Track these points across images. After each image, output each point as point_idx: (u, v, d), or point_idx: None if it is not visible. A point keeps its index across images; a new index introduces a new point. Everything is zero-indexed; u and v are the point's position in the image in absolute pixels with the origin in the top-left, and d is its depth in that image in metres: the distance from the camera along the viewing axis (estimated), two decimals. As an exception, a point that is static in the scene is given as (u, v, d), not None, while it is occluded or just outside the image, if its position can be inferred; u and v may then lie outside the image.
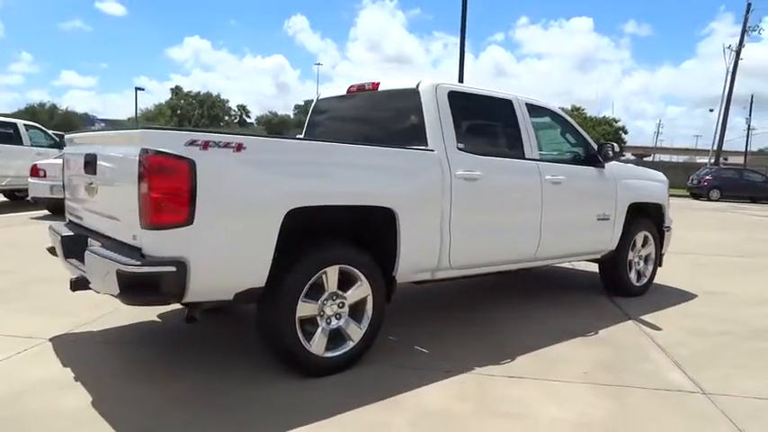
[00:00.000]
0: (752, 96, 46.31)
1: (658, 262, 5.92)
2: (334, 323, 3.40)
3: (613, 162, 5.26)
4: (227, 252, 2.96)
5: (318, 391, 3.18)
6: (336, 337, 3.42)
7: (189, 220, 2.78)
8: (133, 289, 2.77)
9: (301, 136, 4.81)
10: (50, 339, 3.86)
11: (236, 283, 3.03)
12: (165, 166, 2.74)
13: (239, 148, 2.94)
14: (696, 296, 5.83)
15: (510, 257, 4.51)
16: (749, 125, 46.90)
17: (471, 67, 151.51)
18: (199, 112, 73.15)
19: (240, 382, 3.24)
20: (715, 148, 33.60)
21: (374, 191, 3.51)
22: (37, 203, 10.74)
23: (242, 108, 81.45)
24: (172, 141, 2.78)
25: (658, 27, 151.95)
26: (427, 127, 3.93)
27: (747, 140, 48.68)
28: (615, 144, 4.96)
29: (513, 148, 4.48)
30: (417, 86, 4.05)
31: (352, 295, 3.44)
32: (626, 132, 53.90)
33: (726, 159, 38.63)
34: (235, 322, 4.48)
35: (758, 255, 9.34)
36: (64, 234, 3.59)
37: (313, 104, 5.06)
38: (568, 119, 5.14)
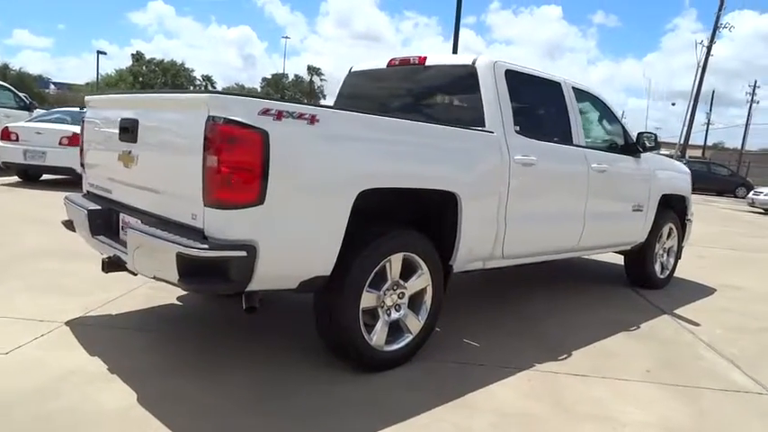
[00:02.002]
0: (713, 92, 47.33)
1: (679, 254, 5.86)
2: (394, 315, 3.14)
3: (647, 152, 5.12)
4: (298, 236, 2.66)
5: (385, 389, 2.93)
6: (395, 330, 3.17)
7: (260, 199, 2.47)
8: (196, 275, 2.45)
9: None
10: (66, 323, 3.48)
11: (303, 271, 2.73)
12: (237, 136, 2.41)
13: (313, 120, 2.63)
14: (715, 290, 5.79)
15: (556, 247, 4.33)
16: (709, 120, 48.13)
17: (441, 49, 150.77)
18: (162, 80, 70.61)
19: (300, 378, 2.97)
20: (682, 141, 34.34)
21: (441, 174, 3.24)
22: (8, 169, 10.03)
23: (207, 79, 78.88)
24: (244, 109, 2.45)
25: (625, 19, 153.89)
26: (485, 107, 3.66)
27: (706, 135, 50.08)
28: (655, 134, 4.80)
29: (563, 133, 4.27)
30: (474, 63, 3.77)
31: (413, 285, 3.19)
32: (591, 122, 54.55)
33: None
34: (266, 308, 4.16)
35: (749, 249, 9.49)
36: (91, 208, 3.20)
37: (345, 77, 4.71)
38: (608, 104, 4.96)
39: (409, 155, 3.07)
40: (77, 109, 10.60)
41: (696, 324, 4.50)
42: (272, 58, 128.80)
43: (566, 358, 3.56)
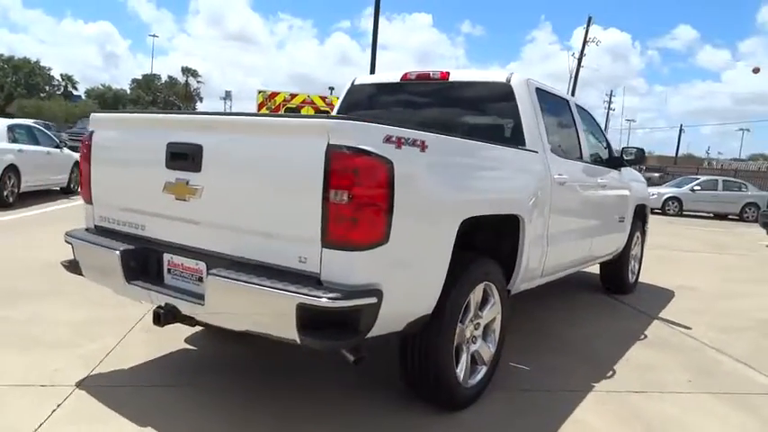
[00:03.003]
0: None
1: (641, 260, 6.23)
2: (472, 347, 2.98)
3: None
4: (412, 274, 2.41)
5: (463, 427, 2.75)
6: (473, 363, 3.01)
7: (386, 237, 2.20)
8: (320, 328, 2.12)
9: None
10: (79, 387, 2.90)
11: (413, 310, 2.48)
12: (365, 168, 2.12)
13: (423, 146, 2.39)
14: (673, 291, 6.22)
15: (575, 261, 4.39)
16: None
17: (316, 53, 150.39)
18: (13, 79, 63.36)
19: (388, 423, 2.70)
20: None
21: (512, 197, 3.14)
22: None
23: (67, 78, 72.01)
24: (370, 136, 2.17)
25: (490, 29, 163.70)
26: (525, 126, 3.61)
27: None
28: (640, 149, 5.04)
29: (576, 149, 4.34)
30: (509, 81, 3.70)
31: (487, 315, 3.05)
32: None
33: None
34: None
35: (662, 247, 10.33)
36: (124, 248, 2.68)
37: (347, 89, 4.43)
38: (595, 119, 5.13)
39: (494, 179, 2.93)
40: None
41: (687, 327, 4.77)
42: (138, 58, 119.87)
43: (612, 375, 3.59)
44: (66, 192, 11.35)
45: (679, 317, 5.06)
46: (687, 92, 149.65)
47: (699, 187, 19.24)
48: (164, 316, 2.53)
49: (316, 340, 2.13)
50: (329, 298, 2.07)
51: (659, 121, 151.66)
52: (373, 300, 2.16)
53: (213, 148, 2.43)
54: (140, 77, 76.07)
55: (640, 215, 5.99)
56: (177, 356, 3.43)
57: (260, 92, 13.77)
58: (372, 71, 15.46)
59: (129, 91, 73.92)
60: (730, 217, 19.22)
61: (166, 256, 2.67)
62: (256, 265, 2.33)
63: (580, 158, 4.33)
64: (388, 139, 2.21)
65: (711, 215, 19.24)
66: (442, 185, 2.51)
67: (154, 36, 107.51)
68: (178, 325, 3.69)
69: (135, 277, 2.67)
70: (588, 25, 32.82)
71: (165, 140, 2.57)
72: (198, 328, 3.69)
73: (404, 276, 2.35)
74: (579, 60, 33.26)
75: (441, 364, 2.68)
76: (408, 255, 2.34)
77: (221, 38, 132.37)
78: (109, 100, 69.58)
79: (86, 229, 3.08)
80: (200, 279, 2.54)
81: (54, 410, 2.65)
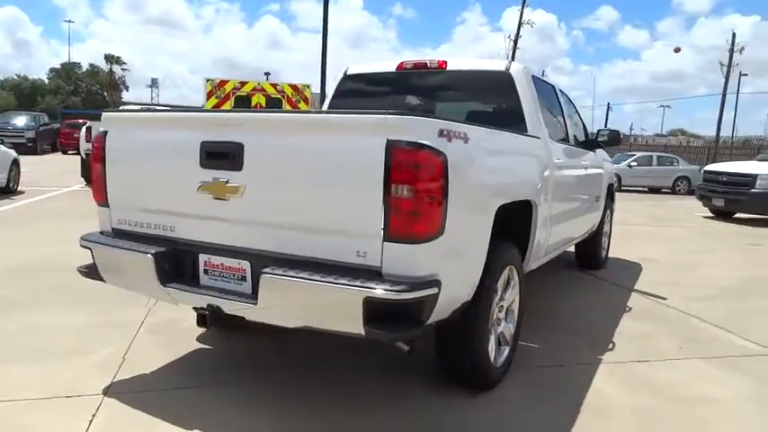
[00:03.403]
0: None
1: (610, 236, 6.56)
2: (498, 329, 3.10)
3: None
4: (461, 262, 2.50)
5: (510, 408, 2.88)
6: (498, 344, 3.13)
7: (443, 229, 2.26)
8: (385, 320, 2.17)
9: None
10: (107, 395, 2.82)
11: (459, 298, 2.56)
12: (426, 162, 2.18)
13: (466, 138, 2.46)
14: (640, 264, 6.60)
15: (567, 240, 4.59)
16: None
17: (245, 37, 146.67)
18: None
19: (425, 408, 2.79)
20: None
21: (529, 182, 3.26)
22: None
23: (-22, 69, 67.13)
24: (426, 131, 2.22)
25: (421, 11, 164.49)
26: (526, 114, 3.74)
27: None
28: (615, 130, 5.29)
29: (564, 133, 4.52)
30: (508, 69, 3.82)
31: (509, 297, 3.17)
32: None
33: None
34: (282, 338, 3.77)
35: (625, 223, 10.87)
36: (157, 251, 2.61)
37: (339, 79, 4.42)
38: (573, 102, 5.34)
39: (518, 167, 3.04)
40: None
41: (663, 298, 5.10)
42: (52, 45, 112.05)
43: (613, 348, 3.81)
44: (6, 191, 10.69)
45: (653, 288, 5.40)
46: (610, 71, 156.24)
47: (635, 163, 20.26)
48: (208, 318, 2.50)
49: (382, 332, 2.18)
50: (397, 291, 2.12)
51: (586, 99, 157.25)
52: (435, 290, 2.22)
53: (256, 147, 2.40)
54: (59, 66, 71.73)
55: (610, 193, 6.31)
56: (194, 357, 3.38)
57: (208, 80, 13.37)
58: (324, 57, 15.33)
59: (47, 81, 69.67)
60: (663, 190, 20.39)
61: (203, 257, 2.62)
62: (307, 261, 2.34)
63: (567, 141, 4.52)
64: (441, 133, 2.27)
65: (646, 189, 20.34)
66: (482, 175, 2.61)
67: (69, 22, 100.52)
68: (183, 325, 3.71)
69: (170, 280, 2.61)
70: (523, 6, 33.51)
71: (199, 139, 2.52)
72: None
73: (455, 265, 2.43)
74: (515, 42, 33.96)
75: (477, 348, 2.78)
76: (459, 244, 2.42)
77: (142, 22, 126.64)
78: (26, 91, 65.48)
79: (101, 233, 2.97)
80: (243, 278, 2.52)
81: (91, 421, 2.57)
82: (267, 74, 39.00)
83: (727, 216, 12.20)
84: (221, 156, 2.47)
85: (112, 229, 2.93)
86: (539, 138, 3.68)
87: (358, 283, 2.14)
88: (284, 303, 2.32)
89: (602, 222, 5.84)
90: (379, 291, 2.11)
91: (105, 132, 2.87)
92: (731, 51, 35.32)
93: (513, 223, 3.33)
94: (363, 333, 2.17)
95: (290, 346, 3.54)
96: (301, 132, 2.35)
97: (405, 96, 4.28)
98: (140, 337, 3.61)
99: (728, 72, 35.23)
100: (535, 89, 3.86)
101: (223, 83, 13.37)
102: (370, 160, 2.16)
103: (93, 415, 2.62)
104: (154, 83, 72.91)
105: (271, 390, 2.97)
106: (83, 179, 12.84)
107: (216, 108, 13.11)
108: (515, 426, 2.74)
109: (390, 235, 2.18)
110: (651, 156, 21.25)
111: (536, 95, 3.83)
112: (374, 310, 2.14)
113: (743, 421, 2.91)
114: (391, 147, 2.14)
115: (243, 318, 2.49)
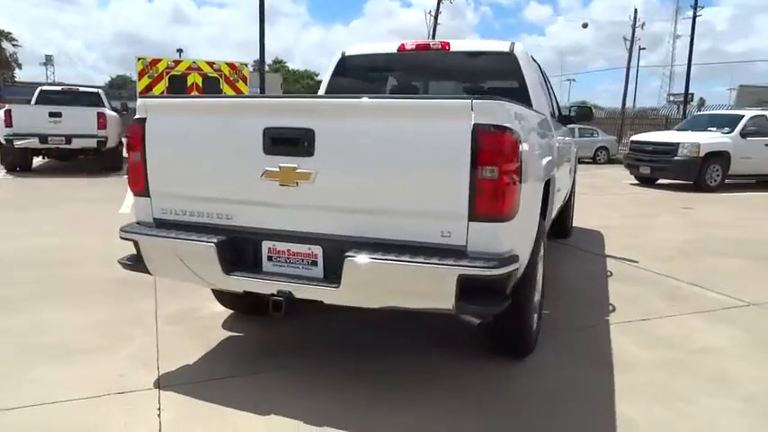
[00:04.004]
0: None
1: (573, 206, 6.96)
2: (536, 297, 3.29)
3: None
4: (526, 237, 2.64)
5: (554, 371, 3.08)
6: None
7: (518, 207, 2.39)
8: (476, 296, 2.27)
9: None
10: (158, 387, 2.76)
11: (520, 270, 2.70)
12: (509, 144, 2.28)
13: (520, 119, 2.59)
14: (599, 231, 7.06)
15: (557, 209, 4.85)
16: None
17: (145, 11, 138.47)
18: None
19: (474, 376, 2.94)
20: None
21: (552, 157, 3.45)
22: None
23: None
24: (506, 113, 2.31)
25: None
26: (531, 93, 3.91)
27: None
28: (589, 107, 5.60)
29: (551, 108, 4.74)
30: (512, 50, 3.96)
31: (540, 266, 3.36)
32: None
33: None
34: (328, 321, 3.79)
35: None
36: (218, 240, 2.56)
37: (336, 61, 4.39)
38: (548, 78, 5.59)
39: (545, 144, 3.22)
40: None
41: (635, 261, 5.53)
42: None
43: (614, 310, 4.12)
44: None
45: (622, 253, 5.82)
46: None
47: (559, 136, 21.23)
48: (283, 304, 2.50)
49: (476, 307, 2.29)
50: (490, 267, 2.22)
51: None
52: (517, 265, 2.36)
53: (329, 133, 2.40)
54: (-58, 44, 64.88)
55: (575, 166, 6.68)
56: (230, 345, 3.34)
57: (139, 59, 12.71)
58: (261, 39, 14.89)
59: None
60: (585, 160, 21.57)
61: (266, 244, 2.60)
62: (387, 243, 2.39)
63: (554, 117, 4.76)
64: (515, 115, 2.37)
65: (570, 160, 21.43)
66: (536, 155, 2.75)
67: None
68: (202, 314, 3.67)
69: (233, 268, 2.58)
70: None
71: (261, 126, 2.48)
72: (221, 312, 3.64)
73: (524, 240, 2.57)
74: (435, 18, 34.43)
75: (526, 316, 2.95)
76: (527, 220, 2.56)
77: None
78: None
79: (138, 223, 2.86)
80: (314, 263, 2.53)
81: (159, 415, 2.52)
82: (180, 50, 37.35)
83: (651, 182, 13.18)
84: (290, 142, 2.45)
85: (154, 219, 2.82)
86: (544, 115, 3.86)
87: (451, 261, 2.23)
88: (370, 285, 2.36)
89: (572, 193, 6.19)
90: (475, 268, 2.21)
91: (143, 120, 2.75)
92: (633, 27, 37.62)
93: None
94: (453, 309, 2.27)
95: (313, 329, 3.58)
96: (380, 117, 2.38)
97: (406, 77, 4.33)
98: (162, 329, 3.51)
99: (632, 46, 37.61)
100: (536, 69, 4.03)
101: (155, 62, 12.76)
102: (456, 143, 2.23)
103: (159, 409, 2.57)
104: (49, 60, 67.78)
105: (328, 373, 3.00)
106: (2, 165, 11.94)
107: (149, 87, 12.52)
108: (569, 386, 2.91)
109: (476, 214, 2.27)
110: (574, 128, 22.33)
111: (538, 75, 4.01)
112: (469, 287, 2.24)
113: (756, 364, 3.23)
114: (478, 130, 2.22)
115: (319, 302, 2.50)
